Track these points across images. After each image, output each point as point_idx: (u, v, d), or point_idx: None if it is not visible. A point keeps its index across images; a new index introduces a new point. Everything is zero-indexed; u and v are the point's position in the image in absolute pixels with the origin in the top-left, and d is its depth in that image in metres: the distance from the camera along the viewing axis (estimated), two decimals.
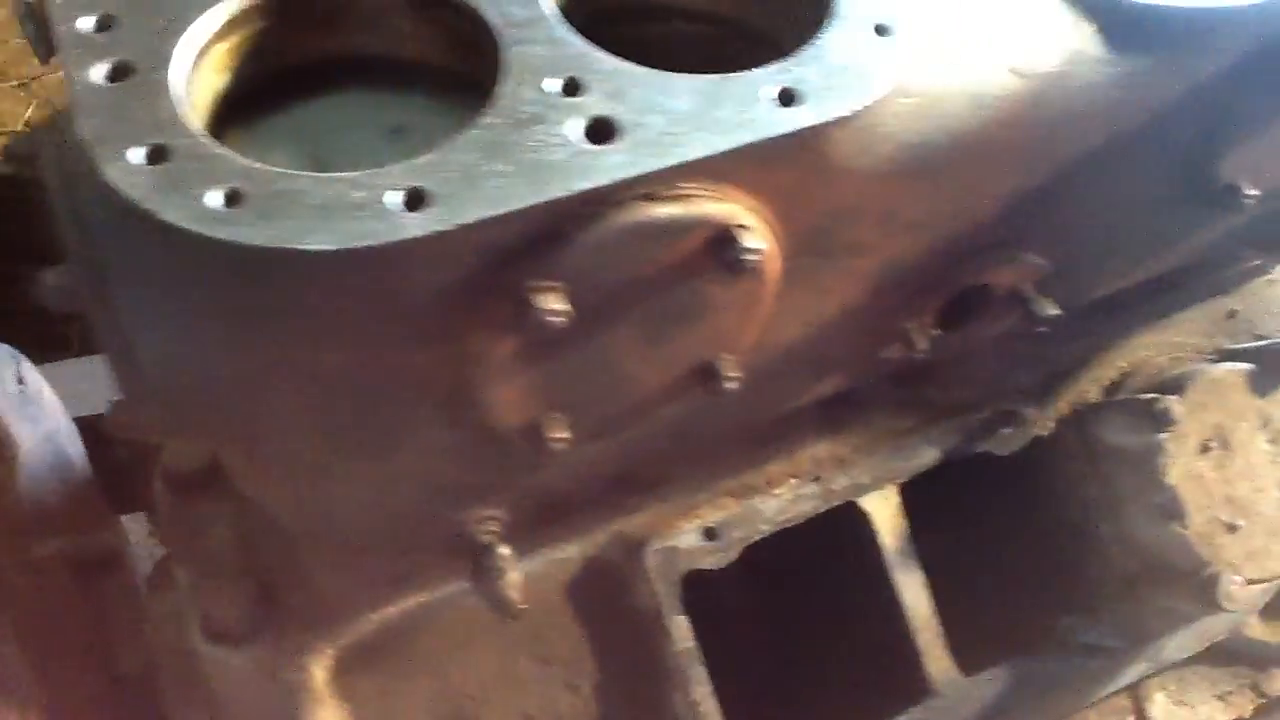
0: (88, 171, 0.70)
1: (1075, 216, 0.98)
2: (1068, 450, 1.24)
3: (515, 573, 0.91)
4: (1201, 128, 0.95)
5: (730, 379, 0.84)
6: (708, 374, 0.84)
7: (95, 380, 1.60)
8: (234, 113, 0.81)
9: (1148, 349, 1.27)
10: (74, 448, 1.41)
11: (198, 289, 0.70)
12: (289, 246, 0.66)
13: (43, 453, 1.27)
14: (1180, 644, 1.32)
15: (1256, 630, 1.42)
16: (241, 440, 0.82)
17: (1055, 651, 1.21)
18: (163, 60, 0.74)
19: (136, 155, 0.69)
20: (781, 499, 1.14)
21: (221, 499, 1.07)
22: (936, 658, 1.17)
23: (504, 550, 0.90)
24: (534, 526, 1.05)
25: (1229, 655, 1.43)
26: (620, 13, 0.86)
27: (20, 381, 1.28)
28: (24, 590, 1.08)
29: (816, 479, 1.16)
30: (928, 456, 1.19)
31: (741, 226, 0.74)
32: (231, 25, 0.78)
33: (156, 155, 0.69)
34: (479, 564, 0.90)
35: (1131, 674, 1.33)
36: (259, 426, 0.78)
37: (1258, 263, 1.31)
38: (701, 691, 1.09)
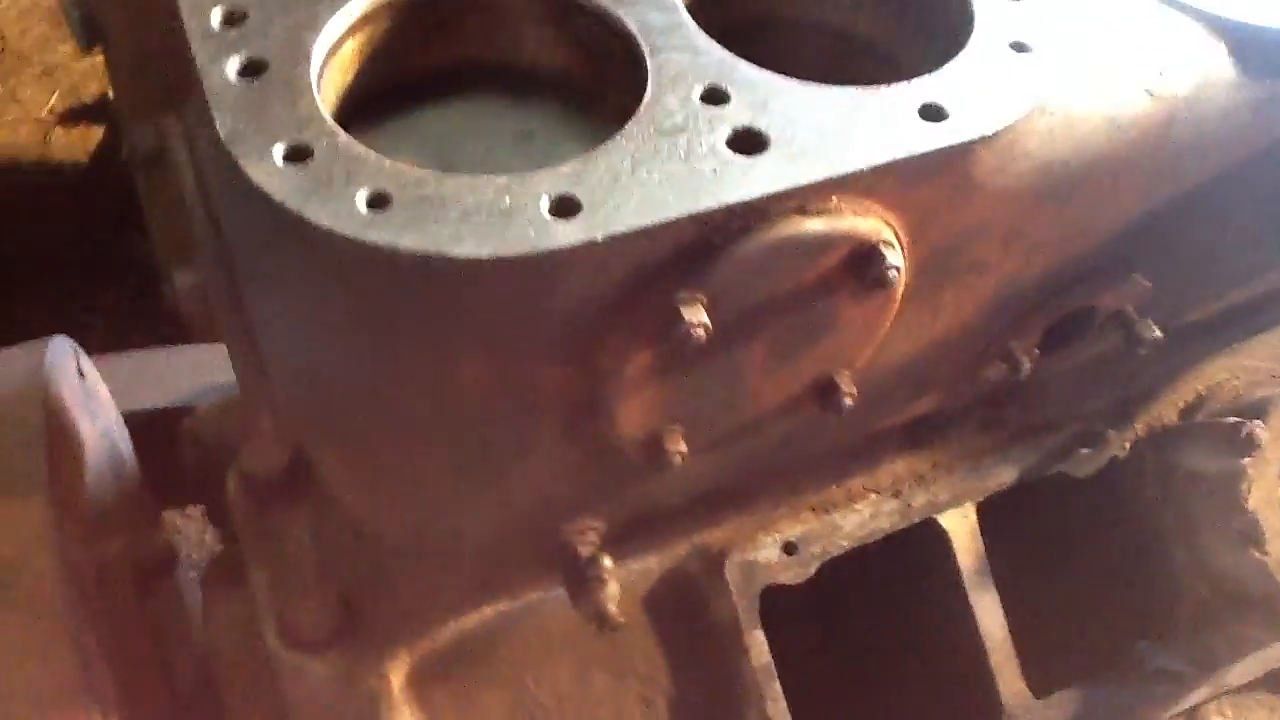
0: (226, 170, 0.68)
1: (1188, 240, 0.97)
2: (1144, 474, 1.23)
3: (615, 584, 0.89)
4: None
5: (848, 395, 0.82)
6: (826, 390, 0.83)
7: (140, 375, 1.57)
8: (358, 114, 0.79)
9: (1224, 372, 1.26)
10: (125, 444, 1.39)
11: (340, 293, 0.68)
12: (440, 252, 0.64)
13: (101, 449, 1.24)
14: (1244, 670, 1.31)
15: None
16: (362, 453, 0.80)
17: (1127, 676, 1.20)
18: (298, 56, 0.72)
19: (278, 154, 0.67)
20: (861, 514, 1.13)
21: (302, 503, 1.05)
22: (1009, 679, 1.16)
23: (606, 562, 0.89)
24: (622, 539, 1.03)
25: None
26: (748, 25, 0.85)
27: (80, 375, 1.25)
28: (97, 597, 1.05)
29: (896, 495, 1.14)
30: (1006, 476, 1.18)
31: (886, 243, 0.73)
32: (364, 22, 0.76)
33: (298, 154, 0.67)
34: (580, 575, 0.88)
35: (1194, 699, 1.33)
36: (384, 438, 0.76)
37: None
38: (777, 709, 1.08)
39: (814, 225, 0.70)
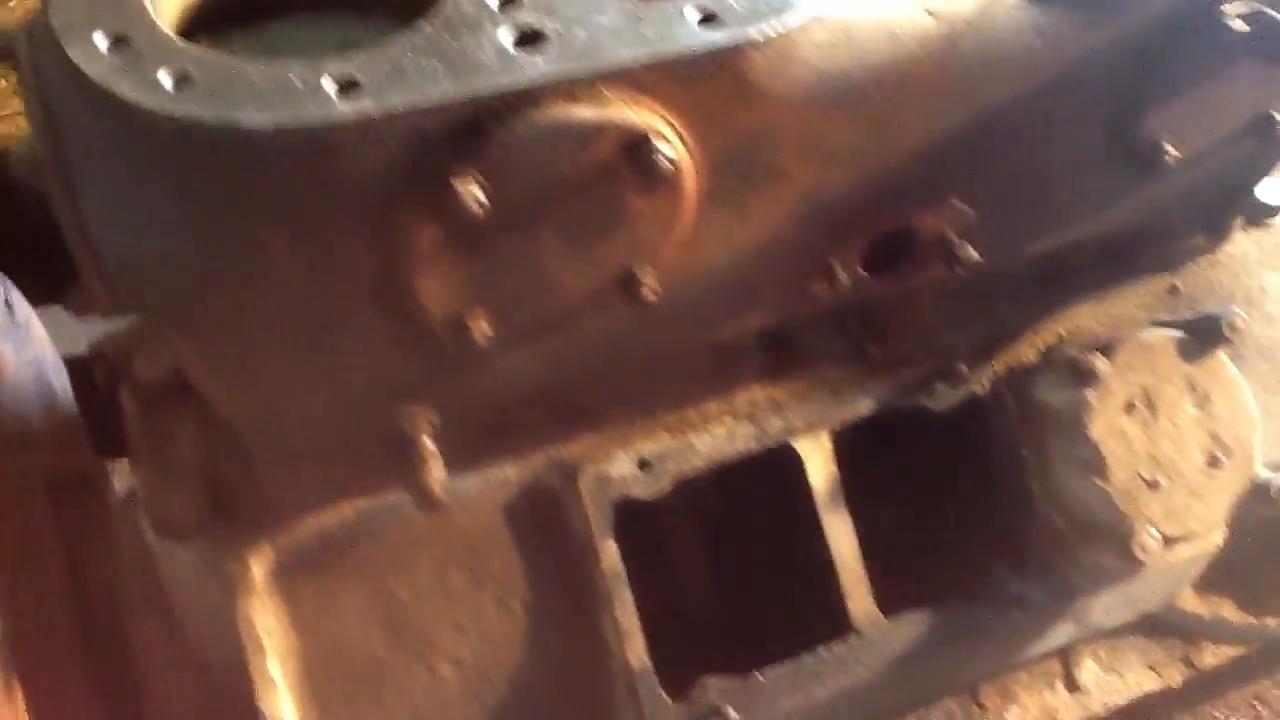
0: (55, 58, 0.76)
1: (1001, 167, 1.02)
2: (1004, 410, 1.28)
3: (439, 468, 0.96)
4: (1123, 84, 0.99)
5: (649, 289, 0.89)
6: (628, 283, 0.89)
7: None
8: (202, 27, 0.87)
9: (1087, 318, 1.31)
10: (59, 380, 1.46)
11: (154, 170, 0.75)
12: (230, 122, 0.71)
13: (27, 375, 1.32)
14: (1109, 608, 1.35)
15: (1189, 603, 1.46)
16: (192, 328, 0.87)
17: (980, 600, 1.25)
18: None
19: (100, 40, 0.75)
20: (716, 436, 1.19)
21: (184, 409, 1.13)
22: (858, 599, 1.21)
23: (428, 443, 0.95)
24: (473, 444, 1.10)
25: (1161, 627, 1.47)
26: None
27: (8, 305, 1.33)
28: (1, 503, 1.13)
29: (752, 419, 1.20)
30: (863, 406, 1.23)
31: (656, 133, 0.80)
32: None
33: (119, 41, 0.75)
34: (404, 455, 0.95)
35: (1061, 635, 1.37)
36: (211, 317, 0.83)
37: (1200, 241, 1.35)
38: (626, 613, 1.14)
39: (582, 112, 0.77)
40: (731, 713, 1.13)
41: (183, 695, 1.21)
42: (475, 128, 0.76)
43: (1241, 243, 1.40)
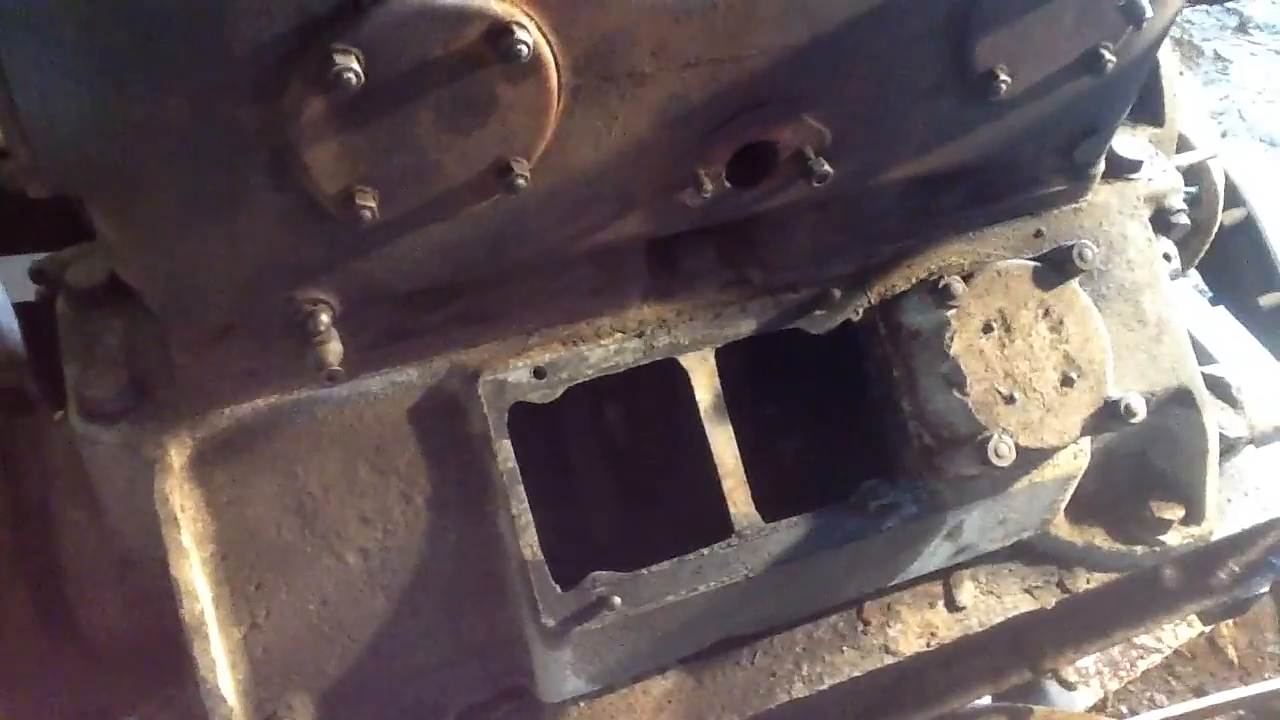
0: None
1: (849, 87, 1.14)
2: (876, 335, 1.38)
3: (336, 343, 1.06)
4: (956, 8, 1.11)
5: (521, 177, 1.00)
6: (502, 172, 1.00)
7: None
8: None
9: (957, 255, 1.43)
10: (6, 317, 1.56)
11: (64, 29, 0.85)
12: None
13: None
14: (984, 529, 1.45)
15: (1064, 532, 1.56)
16: (107, 195, 0.96)
17: (854, 509, 1.35)
18: None
19: None
20: (607, 349, 1.30)
21: (110, 311, 1.23)
22: (740, 503, 1.30)
23: (325, 319, 1.05)
24: (378, 345, 1.20)
25: (1038, 554, 1.57)
26: None
27: None
28: None
29: (640, 335, 1.31)
30: (745, 327, 1.34)
31: (517, 23, 0.91)
32: None
33: None
34: (304, 331, 1.05)
35: (940, 554, 1.47)
36: (122, 178, 0.93)
37: (1063, 188, 1.47)
38: (521, 507, 1.23)
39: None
40: (617, 601, 1.22)
41: (106, 582, 1.29)
42: (355, 5, 0.87)
43: (1105, 193, 1.53)
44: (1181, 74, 2.11)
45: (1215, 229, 2.70)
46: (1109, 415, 1.35)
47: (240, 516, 1.20)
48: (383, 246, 1.05)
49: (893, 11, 1.09)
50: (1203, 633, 2.59)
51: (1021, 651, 1.67)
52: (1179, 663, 2.63)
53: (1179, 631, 2.52)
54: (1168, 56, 1.69)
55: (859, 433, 1.43)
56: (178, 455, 1.17)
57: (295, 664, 1.22)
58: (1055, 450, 1.35)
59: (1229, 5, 4.28)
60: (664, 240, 1.29)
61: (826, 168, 1.16)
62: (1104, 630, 1.72)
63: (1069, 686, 1.73)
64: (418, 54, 0.91)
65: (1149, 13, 1.13)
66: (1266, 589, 1.81)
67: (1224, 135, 3.81)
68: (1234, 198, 2.78)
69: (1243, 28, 4.28)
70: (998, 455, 1.28)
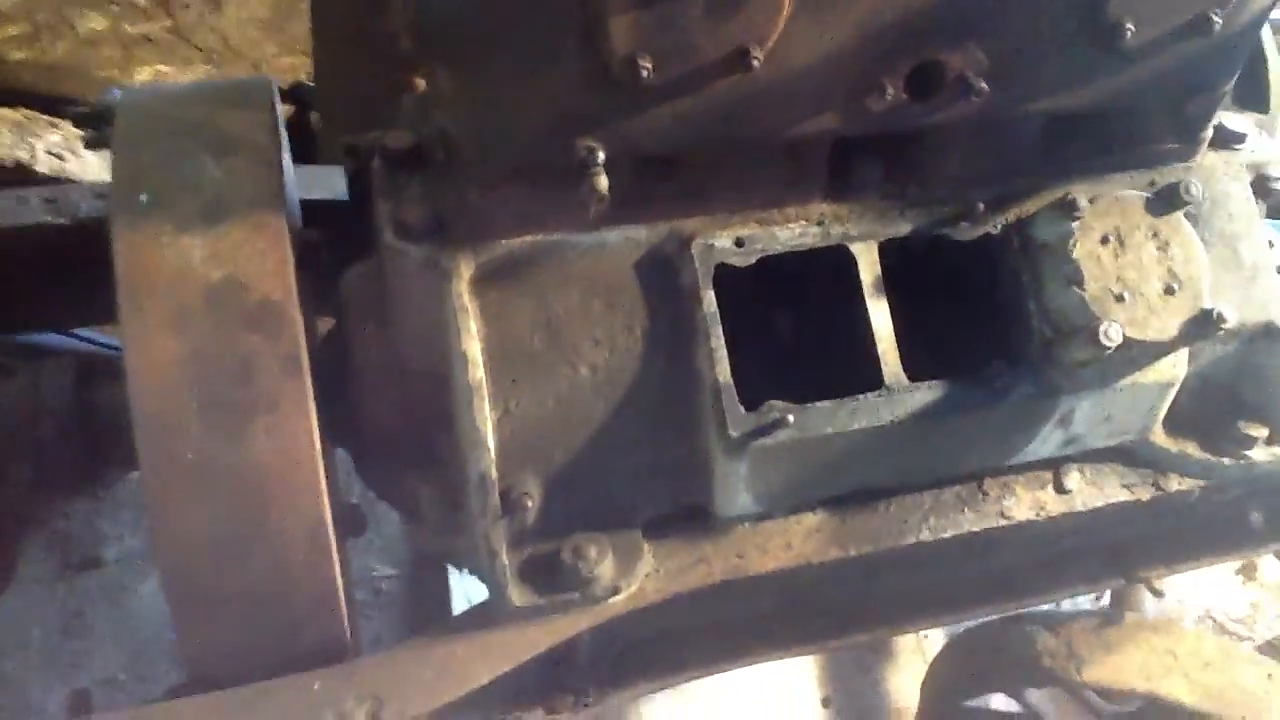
0: None
1: (1006, 23, 1.47)
2: (1010, 248, 1.69)
3: (604, 177, 1.41)
4: None
5: (756, 59, 1.35)
6: (742, 55, 1.36)
7: None
8: None
9: (1084, 191, 1.72)
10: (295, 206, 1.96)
11: None
12: None
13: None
14: (1091, 423, 1.73)
15: (1161, 441, 1.83)
16: (459, 52, 1.35)
17: (983, 382, 1.64)
18: None
19: None
20: (793, 231, 1.63)
21: (416, 166, 1.60)
22: (891, 365, 1.61)
23: (602, 155, 1.41)
24: (620, 204, 1.55)
25: (1137, 458, 1.83)
26: None
27: None
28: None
29: (820, 224, 1.64)
30: (903, 228, 1.66)
31: None
32: None
33: None
34: (583, 166, 1.41)
35: (1051, 441, 1.75)
36: (472, 39, 1.31)
37: (1175, 147, 1.77)
38: (718, 343, 1.56)
39: None
40: (790, 419, 1.54)
41: (385, 386, 1.66)
42: None
43: (1211, 158, 1.82)
44: None
45: None
46: (1203, 321, 1.62)
47: (504, 326, 1.55)
48: (648, 108, 1.41)
49: None
50: None
51: (1118, 561, 1.95)
52: (1269, 653, 2.81)
53: (1270, 625, 2.74)
54: (1275, 59, 1.98)
55: (979, 322, 1.73)
56: (465, 270, 1.53)
57: (531, 449, 1.56)
58: (1156, 345, 1.62)
59: None
60: (843, 152, 1.63)
61: (984, 87, 1.49)
62: (1194, 554, 1.99)
63: (1158, 594, 1.99)
64: None
65: None
66: None
67: None
68: None
69: None
70: (1107, 338, 1.57)
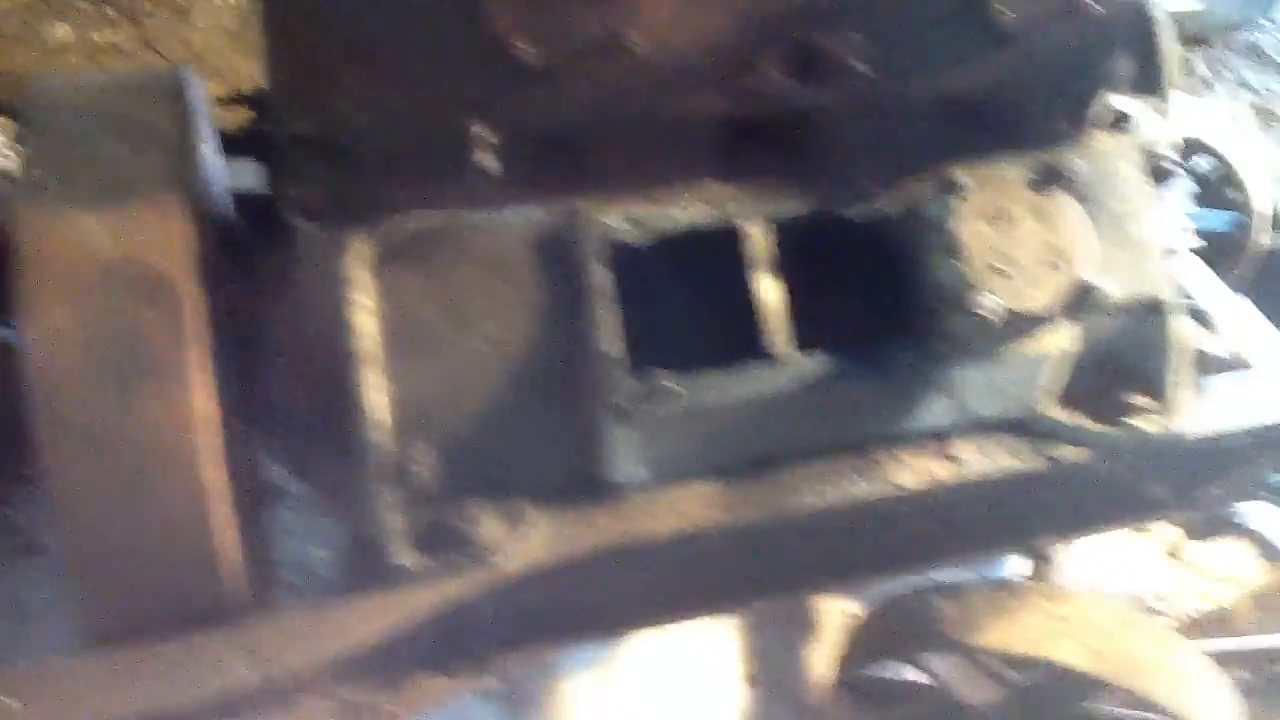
0: None
1: (881, 8, 1.53)
2: (900, 225, 1.75)
3: (490, 156, 1.47)
4: None
5: (635, 43, 1.41)
6: (620, 35, 1.41)
7: None
8: None
9: (969, 174, 1.78)
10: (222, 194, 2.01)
11: None
12: None
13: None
14: (979, 393, 1.79)
15: (1052, 411, 1.88)
16: (354, 44, 1.40)
17: (867, 353, 1.70)
18: None
19: None
20: (685, 210, 1.68)
21: (323, 154, 1.64)
22: (779, 335, 1.67)
23: (489, 136, 1.46)
24: (515, 184, 1.60)
25: (1029, 429, 1.89)
26: None
27: None
28: None
29: (712, 204, 1.70)
30: (793, 207, 1.72)
31: None
32: None
33: None
34: (469, 142, 1.46)
35: (939, 411, 1.81)
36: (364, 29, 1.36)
37: (1065, 127, 1.83)
38: (609, 316, 1.61)
39: None
40: (674, 387, 1.59)
41: (293, 363, 1.70)
42: None
43: (1103, 140, 1.88)
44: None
45: (1259, 254, 3.01)
46: (1082, 295, 1.68)
47: (400, 302, 1.60)
48: (531, 89, 1.46)
49: None
50: (1219, 608, 2.86)
51: (1015, 530, 2.01)
52: (1191, 630, 2.87)
53: (1194, 603, 2.80)
54: (1169, 46, 2.04)
55: (869, 297, 1.78)
56: (362, 248, 1.58)
57: (425, 420, 1.61)
58: (1036, 317, 1.68)
59: None
60: (733, 132, 1.68)
61: (863, 70, 1.54)
62: (1088, 523, 2.05)
63: (1048, 562, 2.05)
64: None
65: None
66: (1242, 512, 2.12)
67: None
68: None
69: None
70: (984, 308, 1.62)
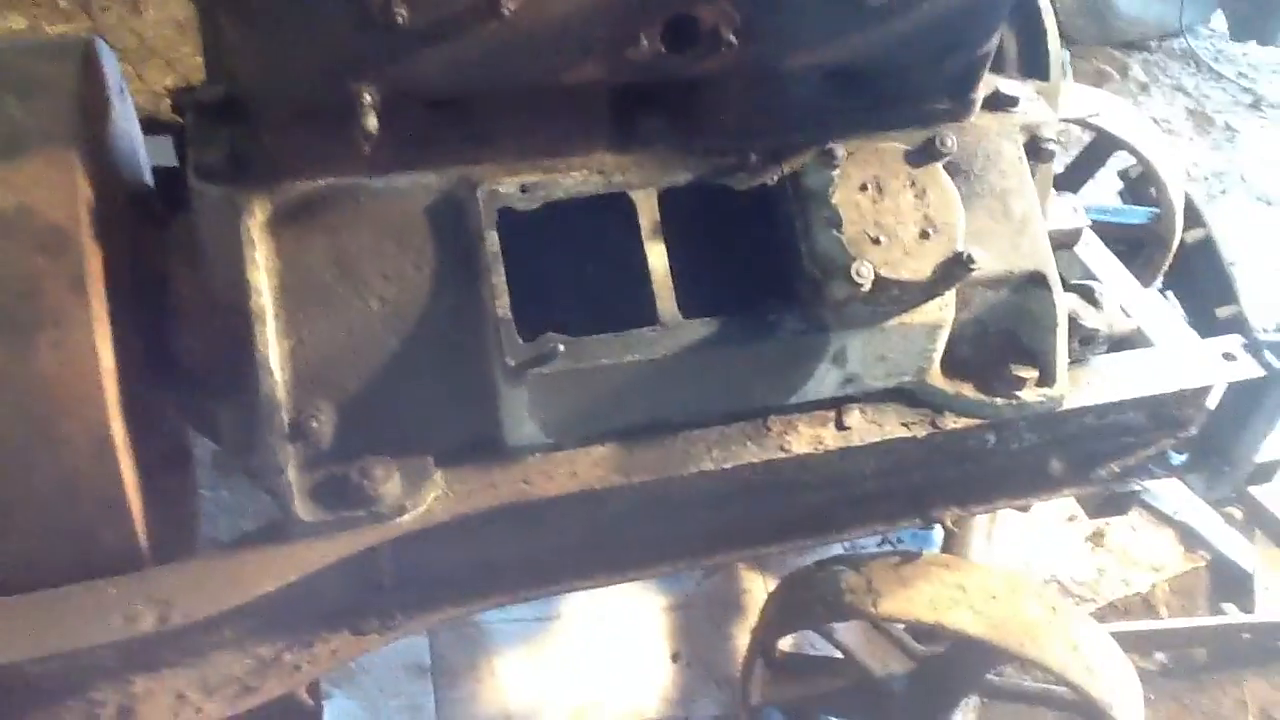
0: None
1: None
2: (784, 194, 1.82)
3: (374, 118, 1.54)
4: None
5: (508, 6, 1.48)
6: (494, 3, 1.49)
7: None
8: None
9: (855, 145, 1.86)
10: (143, 158, 2.08)
11: None
12: None
13: (125, 135, 1.93)
14: (864, 359, 1.86)
15: (939, 382, 1.95)
16: (242, 8, 1.47)
17: (754, 318, 1.77)
18: None
19: None
20: (577, 179, 1.76)
21: (220, 115, 1.72)
22: (666, 303, 1.74)
23: (369, 97, 1.53)
24: (406, 148, 1.67)
25: (916, 399, 1.96)
26: None
27: (122, 92, 1.95)
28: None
29: (602, 173, 1.77)
30: (683, 178, 1.79)
31: None
32: None
33: None
34: (352, 104, 1.53)
35: (830, 380, 1.87)
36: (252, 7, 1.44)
37: (948, 106, 1.91)
38: (499, 279, 1.67)
39: None
40: (560, 348, 1.66)
41: (199, 321, 1.77)
42: None
43: (986, 119, 1.96)
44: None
45: (1175, 246, 3.10)
46: (956, 263, 1.75)
47: (297, 262, 1.67)
48: (410, 52, 1.53)
49: None
50: (1139, 593, 2.93)
51: (915, 501, 2.08)
52: (1112, 615, 2.95)
53: (1115, 587, 2.88)
54: (1053, 32, 2.13)
55: (755, 265, 1.85)
56: (260, 211, 1.64)
57: (324, 378, 1.68)
58: (913, 285, 1.75)
59: (1245, 84, 4.66)
60: (625, 103, 1.76)
61: (733, 40, 1.62)
62: (989, 496, 2.12)
63: (952, 532, 2.12)
64: None
65: None
66: (1139, 489, 2.19)
67: (1223, 193, 4.18)
68: (1195, 219, 3.18)
69: (1256, 105, 4.65)
70: (860, 275, 1.69)
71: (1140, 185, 3.21)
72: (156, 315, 1.79)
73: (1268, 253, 3.80)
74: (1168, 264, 3.12)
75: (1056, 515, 3.11)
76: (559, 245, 1.87)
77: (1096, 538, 3.10)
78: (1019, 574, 2.15)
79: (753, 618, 2.79)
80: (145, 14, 4.25)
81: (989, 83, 1.94)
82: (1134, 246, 3.12)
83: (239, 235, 1.63)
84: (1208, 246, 3.23)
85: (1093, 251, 2.45)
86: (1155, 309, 2.35)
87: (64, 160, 1.51)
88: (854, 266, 1.69)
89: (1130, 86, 4.47)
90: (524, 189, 1.73)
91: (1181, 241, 3.15)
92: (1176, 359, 2.10)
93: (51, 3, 4.29)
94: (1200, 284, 3.25)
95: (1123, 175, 3.29)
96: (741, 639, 2.70)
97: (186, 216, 1.79)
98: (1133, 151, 3.02)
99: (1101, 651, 2.09)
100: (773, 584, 2.83)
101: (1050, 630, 2.04)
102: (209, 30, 1.80)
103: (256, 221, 1.65)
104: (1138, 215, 3.08)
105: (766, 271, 1.86)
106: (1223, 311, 3.20)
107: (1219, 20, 4.86)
